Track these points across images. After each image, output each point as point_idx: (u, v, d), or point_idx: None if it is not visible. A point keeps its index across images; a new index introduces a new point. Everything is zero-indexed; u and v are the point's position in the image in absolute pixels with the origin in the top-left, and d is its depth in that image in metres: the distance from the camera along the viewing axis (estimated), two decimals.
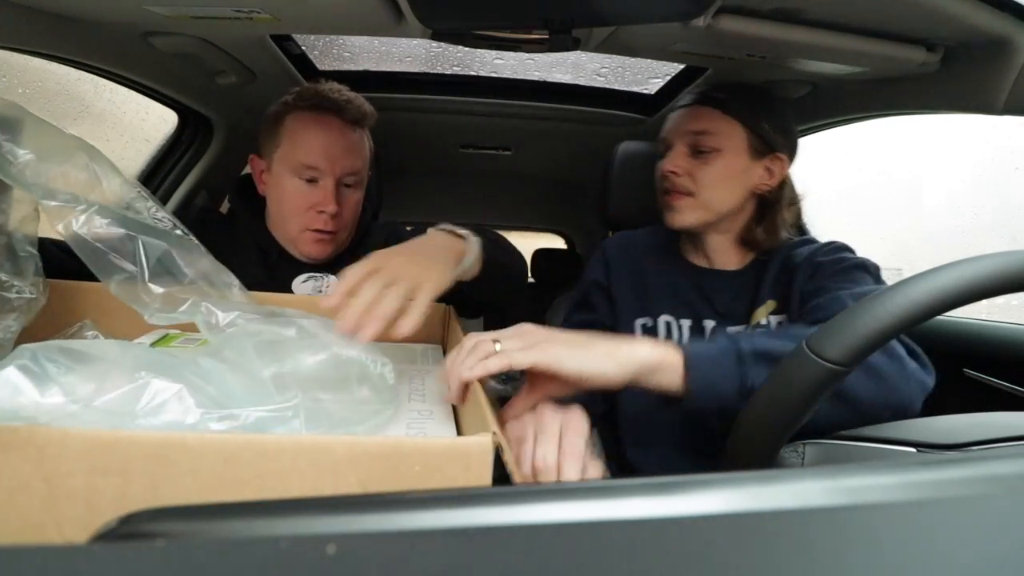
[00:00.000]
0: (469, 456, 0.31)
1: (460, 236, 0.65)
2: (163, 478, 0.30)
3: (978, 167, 1.55)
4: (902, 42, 0.76)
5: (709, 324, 0.85)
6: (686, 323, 0.86)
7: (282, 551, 0.14)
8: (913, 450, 0.42)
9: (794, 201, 0.87)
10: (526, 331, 0.52)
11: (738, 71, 0.97)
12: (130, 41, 0.87)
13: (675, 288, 0.88)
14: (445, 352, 0.67)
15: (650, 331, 0.88)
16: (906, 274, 0.40)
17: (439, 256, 0.59)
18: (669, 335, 0.86)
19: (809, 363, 0.39)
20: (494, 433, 0.32)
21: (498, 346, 0.50)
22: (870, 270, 0.75)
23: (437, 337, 0.73)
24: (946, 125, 1.56)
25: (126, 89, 1.06)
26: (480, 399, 0.44)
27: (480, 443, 0.31)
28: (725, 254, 0.88)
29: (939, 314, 0.38)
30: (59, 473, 0.30)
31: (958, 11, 0.67)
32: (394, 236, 0.92)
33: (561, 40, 0.72)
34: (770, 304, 0.83)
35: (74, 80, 0.95)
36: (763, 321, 0.83)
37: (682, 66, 1.14)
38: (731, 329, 0.84)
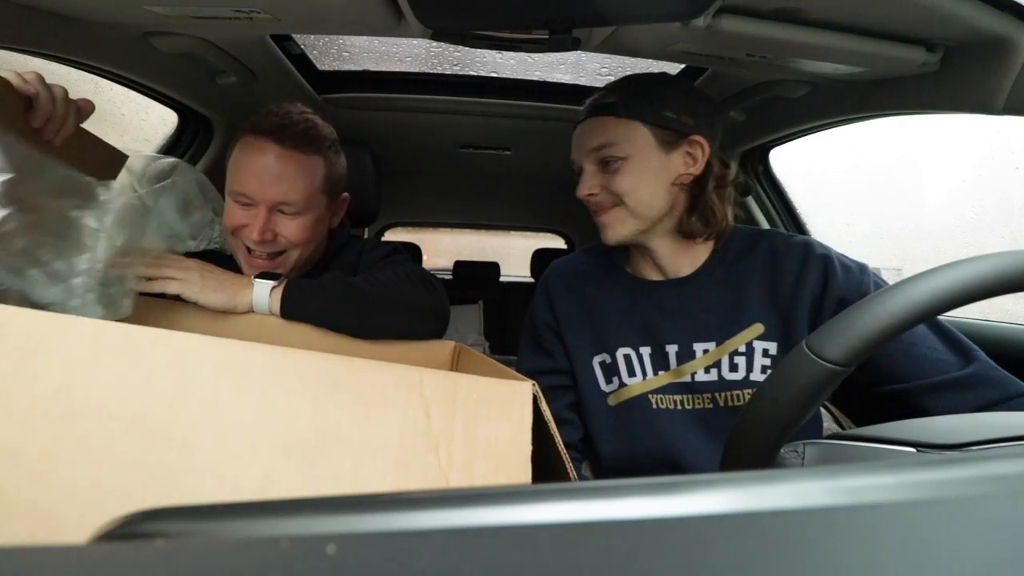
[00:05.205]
0: (513, 394, 0.40)
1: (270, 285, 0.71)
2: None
3: (978, 167, 1.55)
4: (902, 42, 0.76)
5: (671, 349, 0.80)
6: (646, 351, 0.81)
7: (282, 551, 0.14)
8: (913, 450, 0.42)
9: (723, 178, 0.80)
10: None
11: (738, 71, 0.97)
12: (130, 41, 0.88)
13: (628, 313, 0.83)
14: None
15: (609, 368, 0.83)
16: (906, 274, 0.40)
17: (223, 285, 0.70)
18: (630, 368, 0.81)
19: (808, 363, 0.40)
20: (534, 385, 0.42)
21: None
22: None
23: (446, 368, 0.77)
24: (946, 125, 1.56)
25: (126, 89, 1.06)
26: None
27: (523, 386, 0.41)
28: (674, 258, 0.83)
29: (939, 314, 0.38)
30: None
31: (958, 11, 0.67)
32: (368, 252, 0.90)
33: (561, 40, 0.72)
34: (756, 328, 0.77)
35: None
36: (742, 348, 0.77)
37: (682, 66, 1.14)
38: (699, 346, 0.79)
